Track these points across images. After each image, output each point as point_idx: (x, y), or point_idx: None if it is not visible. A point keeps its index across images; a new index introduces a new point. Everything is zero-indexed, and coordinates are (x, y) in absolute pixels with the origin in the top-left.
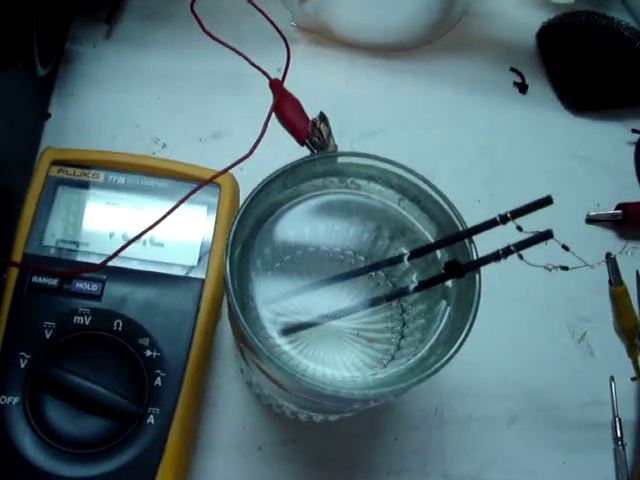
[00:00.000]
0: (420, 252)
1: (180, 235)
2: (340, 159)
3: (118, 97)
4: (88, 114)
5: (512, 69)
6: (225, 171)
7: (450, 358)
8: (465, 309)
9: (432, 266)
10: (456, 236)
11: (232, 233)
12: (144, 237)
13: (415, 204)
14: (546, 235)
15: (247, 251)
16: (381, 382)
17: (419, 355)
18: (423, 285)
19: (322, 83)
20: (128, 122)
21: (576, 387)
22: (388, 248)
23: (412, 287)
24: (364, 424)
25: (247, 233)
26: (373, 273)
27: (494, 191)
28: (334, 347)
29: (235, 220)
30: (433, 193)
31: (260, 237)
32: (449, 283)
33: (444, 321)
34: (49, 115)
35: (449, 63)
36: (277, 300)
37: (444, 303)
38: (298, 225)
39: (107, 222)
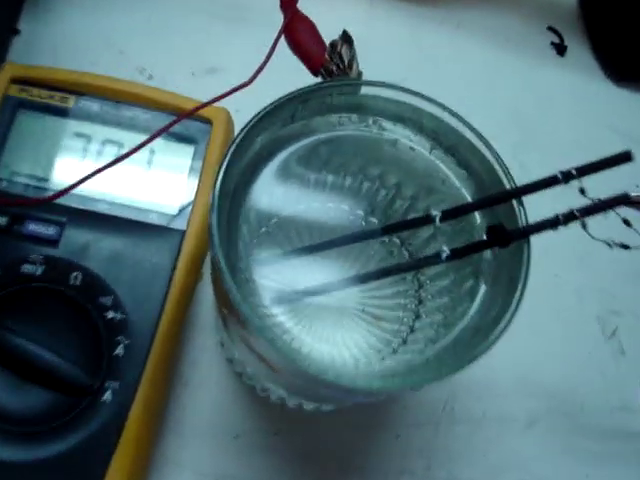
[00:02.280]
0: (455, 213)
1: (161, 177)
2: (365, 89)
3: (102, 16)
4: (65, 34)
5: (550, 28)
6: (217, 100)
7: (483, 351)
8: (506, 289)
9: (462, 234)
10: (504, 195)
11: (223, 169)
12: (117, 176)
13: (450, 155)
14: (625, 157)
15: (239, 199)
16: (390, 371)
17: (441, 343)
18: (457, 253)
19: (337, 21)
20: (111, 46)
21: (604, 389)
22: (408, 210)
23: (444, 256)
24: (361, 417)
25: (240, 175)
26: (386, 238)
27: (523, 158)
28: (335, 323)
29: (228, 153)
30: (478, 142)
31: (256, 183)
32: (487, 254)
33: (476, 303)
34: (18, 31)
35: (481, 15)
36: (273, 262)
37: (477, 280)
38: (303, 172)
39: (74, 157)
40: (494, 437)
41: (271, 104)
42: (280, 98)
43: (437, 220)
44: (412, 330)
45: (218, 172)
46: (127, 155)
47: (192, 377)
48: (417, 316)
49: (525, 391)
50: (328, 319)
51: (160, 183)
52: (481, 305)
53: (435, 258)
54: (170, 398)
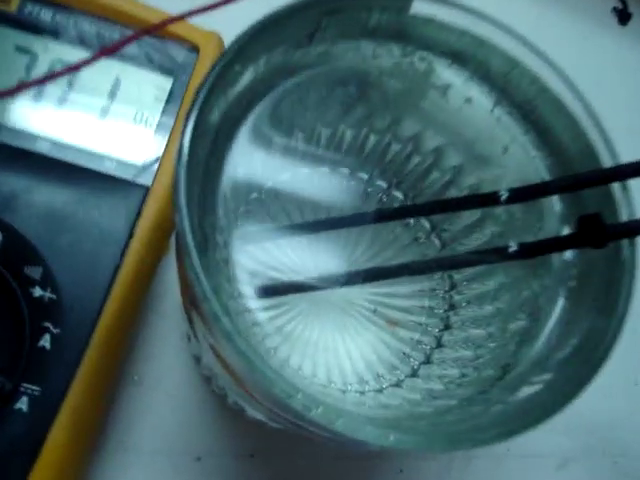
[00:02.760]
0: (531, 193)
1: (125, 114)
2: (417, 5)
3: None
4: None
5: None
6: (199, 12)
7: (567, 401)
8: (596, 307)
9: (525, 224)
10: (605, 175)
11: (200, 101)
12: (66, 108)
13: (520, 115)
14: None
15: (222, 148)
16: (410, 406)
17: (484, 374)
18: (528, 251)
19: None
20: None
21: None
22: (447, 186)
23: (511, 252)
24: None
25: (224, 117)
26: (412, 220)
27: None
28: (336, 325)
29: (208, 79)
30: (571, 98)
31: (248, 128)
32: (567, 255)
33: (549, 323)
34: None
35: None
36: (262, 239)
37: (545, 290)
38: (312, 120)
39: (13, 74)
40: (519, 478)
41: (281, 10)
42: (295, 3)
43: (503, 199)
44: (439, 344)
45: (192, 106)
46: (72, 69)
47: (147, 376)
48: (447, 326)
49: (558, 425)
50: (327, 319)
51: (124, 122)
52: (556, 327)
53: (492, 255)
54: (116, 401)
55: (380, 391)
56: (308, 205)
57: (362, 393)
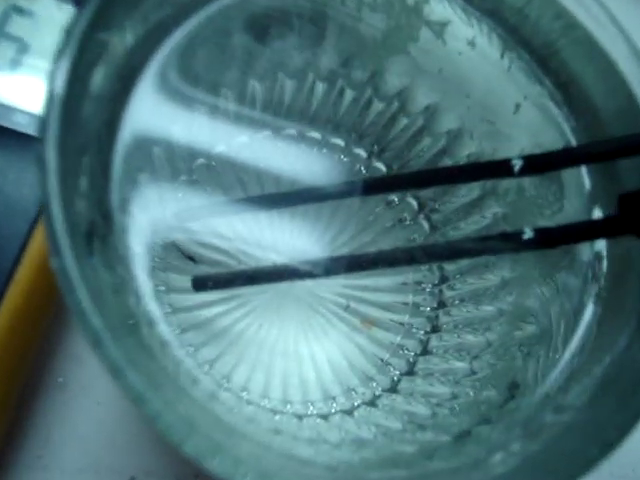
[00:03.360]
0: (553, 161)
1: (37, 54)
2: None
3: None
4: None
5: None
6: None
7: (610, 446)
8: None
9: (539, 203)
10: None
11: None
12: None
13: (537, 62)
14: None
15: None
16: (384, 448)
17: (487, 392)
18: (549, 239)
19: None
20: None
21: None
22: (440, 155)
23: (527, 237)
24: None
25: (117, 65)
26: (396, 197)
27: None
28: (299, 324)
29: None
30: (608, 30)
31: (153, 78)
32: (599, 247)
33: (576, 332)
34: None
35: None
36: (207, 216)
37: (569, 291)
38: (265, 68)
39: None
40: None
41: None
42: None
43: (516, 169)
44: (425, 351)
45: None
46: None
47: (74, 379)
48: (435, 328)
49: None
50: (289, 317)
51: (34, 65)
52: (581, 341)
53: (499, 243)
54: (34, 407)
55: (350, 413)
56: (270, 177)
57: (325, 418)
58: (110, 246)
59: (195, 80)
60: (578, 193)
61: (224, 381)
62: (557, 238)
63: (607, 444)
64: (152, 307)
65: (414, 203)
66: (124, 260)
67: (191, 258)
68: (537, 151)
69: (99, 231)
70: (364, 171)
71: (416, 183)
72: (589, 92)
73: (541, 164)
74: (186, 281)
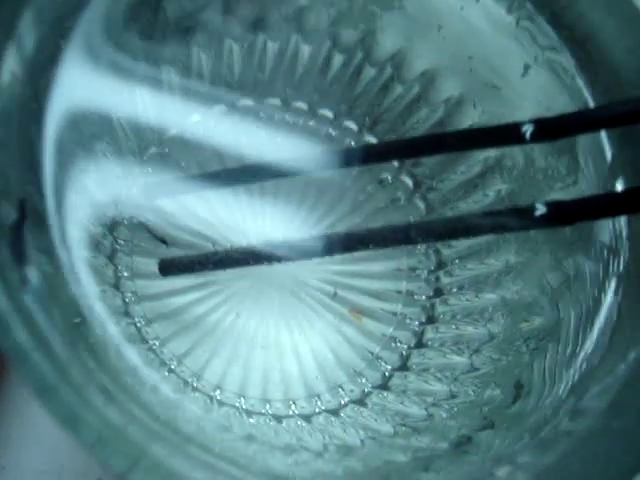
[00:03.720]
0: (568, 126)
1: None
2: None
3: None
4: None
5: None
6: None
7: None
8: None
9: (553, 177)
10: None
11: None
12: None
13: (548, 18)
14: None
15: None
16: (373, 458)
17: (490, 392)
18: (568, 214)
19: None
20: None
21: None
22: (440, 124)
23: (539, 213)
24: None
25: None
26: (389, 175)
27: None
28: (282, 314)
29: None
30: None
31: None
32: (619, 225)
33: (600, 322)
34: None
35: None
36: (174, 193)
37: (583, 276)
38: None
39: None
40: None
41: None
42: None
43: (528, 136)
44: (420, 343)
45: None
46: None
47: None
48: (430, 318)
49: None
50: (270, 306)
51: None
52: (601, 337)
53: (508, 218)
54: None
55: (336, 413)
56: (248, 154)
57: (308, 419)
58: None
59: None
60: (596, 164)
61: (193, 379)
62: (573, 214)
63: (637, 456)
64: (98, 307)
65: (409, 182)
66: (61, 247)
67: (162, 240)
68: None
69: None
70: (353, 143)
71: (413, 151)
72: (609, 49)
73: (555, 128)
74: (155, 265)
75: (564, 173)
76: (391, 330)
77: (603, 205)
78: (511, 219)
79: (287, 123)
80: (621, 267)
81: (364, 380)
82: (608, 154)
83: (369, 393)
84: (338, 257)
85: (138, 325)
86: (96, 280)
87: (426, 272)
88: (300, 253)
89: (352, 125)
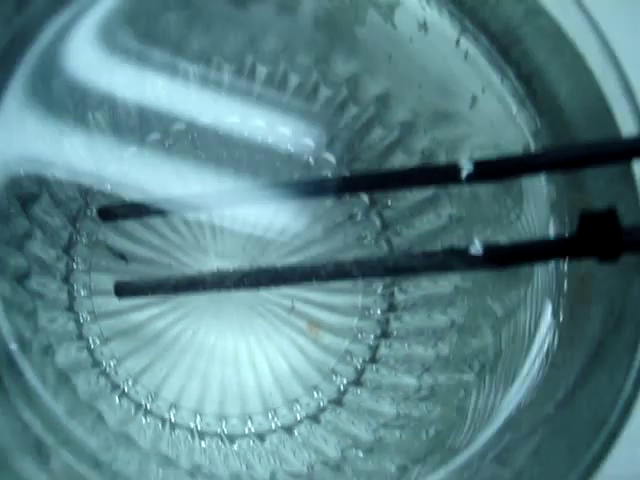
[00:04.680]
0: (505, 168)
1: None
2: None
3: None
4: None
5: None
6: None
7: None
8: (592, 343)
9: (492, 204)
10: (624, 147)
11: None
12: None
13: (497, 50)
14: None
15: None
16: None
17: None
18: (499, 256)
19: None
20: None
21: None
22: (393, 148)
23: (474, 253)
24: None
25: None
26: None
27: None
28: (241, 328)
29: None
30: (576, 18)
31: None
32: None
33: (540, 340)
34: None
35: None
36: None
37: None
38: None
39: None
40: None
41: None
42: None
43: (464, 175)
44: (374, 359)
45: None
46: None
47: None
48: (385, 333)
49: None
50: (229, 321)
51: None
52: (539, 353)
53: (445, 258)
54: None
55: (290, 431)
56: (208, 170)
57: (262, 438)
58: None
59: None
60: (537, 201)
61: (148, 400)
62: (508, 257)
63: None
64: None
65: (366, 199)
66: None
67: (122, 256)
68: (494, 151)
69: None
70: (312, 162)
71: (360, 186)
72: (553, 88)
73: (494, 170)
74: (113, 282)
75: (509, 206)
76: (347, 344)
77: (537, 250)
78: (449, 259)
79: (246, 140)
80: (559, 295)
81: (320, 394)
82: (546, 193)
83: (324, 408)
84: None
85: (92, 347)
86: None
87: (382, 287)
88: (250, 283)
89: (310, 142)
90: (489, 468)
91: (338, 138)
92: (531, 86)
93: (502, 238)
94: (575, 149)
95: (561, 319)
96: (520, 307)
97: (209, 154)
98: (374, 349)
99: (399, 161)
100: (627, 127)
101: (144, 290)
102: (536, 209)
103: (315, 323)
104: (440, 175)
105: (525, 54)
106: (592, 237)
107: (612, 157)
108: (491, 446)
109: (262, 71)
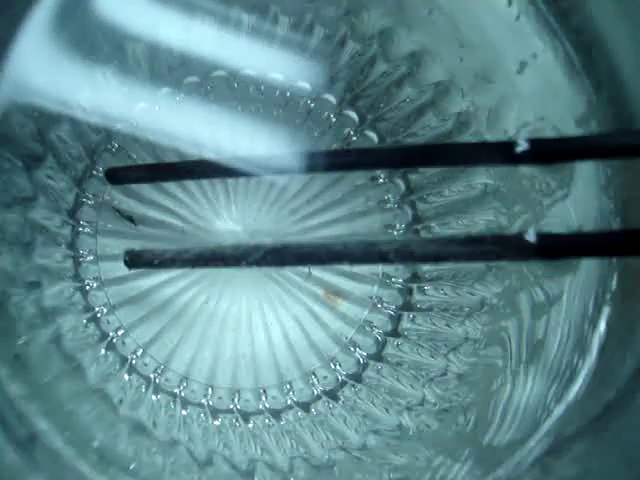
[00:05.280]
0: (564, 150)
1: None
2: None
3: None
4: None
5: None
6: None
7: None
8: None
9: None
10: None
11: None
12: None
13: (555, 13)
14: None
15: None
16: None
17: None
18: (556, 248)
19: None
20: None
21: None
22: (423, 110)
23: (527, 240)
24: None
25: None
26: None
27: None
28: (255, 295)
29: None
30: None
31: None
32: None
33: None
34: None
35: None
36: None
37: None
38: None
39: None
40: None
41: None
42: None
43: (519, 149)
44: (396, 332)
45: None
46: None
47: None
48: (408, 305)
49: None
50: (242, 288)
51: None
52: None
53: (494, 246)
54: None
55: (307, 408)
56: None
57: (277, 416)
58: None
59: None
60: (587, 181)
61: (157, 375)
62: (566, 248)
63: None
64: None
65: (355, 115)
66: None
67: (130, 218)
68: (541, 125)
69: None
70: (333, 119)
71: (395, 162)
72: (617, 59)
73: (550, 153)
74: (121, 246)
75: (555, 184)
76: (366, 313)
77: (597, 244)
78: (497, 247)
79: (262, 94)
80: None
81: (338, 367)
82: (599, 178)
83: (343, 384)
84: (313, 237)
85: (98, 315)
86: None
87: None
88: (275, 261)
89: (332, 98)
90: (530, 474)
91: (363, 95)
92: (590, 56)
93: (544, 220)
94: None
95: (609, 315)
96: (563, 296)
97: (245, 106)
98: (396, 320)
99: (428, 124)
100: None
101: (158, 263)
102: (584, 191)
103: (333, 290)
104: (489, 153)
105: (587, 19)
106: None
107: None
108: (532, 448)
109: (282, 22)
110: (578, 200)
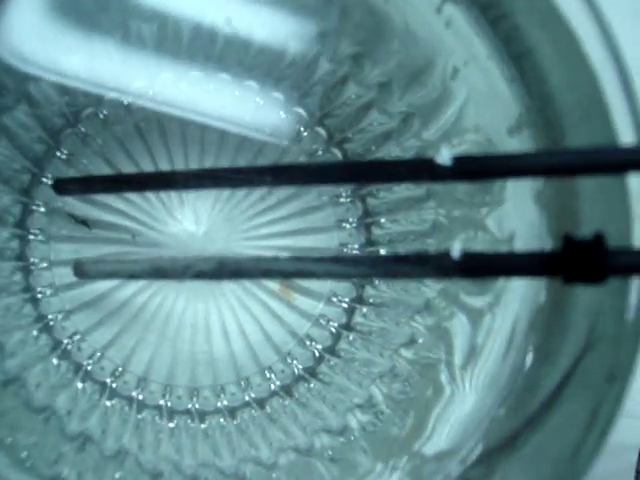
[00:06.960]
0: (488, 168)
1: None
2: None
3: None
4: None
5: None
6: None
7: None
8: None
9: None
10: (620, 156)
11: None
12: None
13: (485, 18)
14: None
15: None
16: None
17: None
18: (475, 266)
19: None
20: None
21: None
22: (368, 108)
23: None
24: None
25: None
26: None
27: None
28: (211, 292)
29: None
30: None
31: None
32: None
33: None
34: None
35: None
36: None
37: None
38: None
39: None
40: None
41: None
42: None
43: (442, 164)
44: (349, 325)
45: None
46: None
47: None
48: (359, 298)
49: None
50: (198, 285)
51: None
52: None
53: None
54: None
55: (262, 405)
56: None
57: (233, 414)
58: None
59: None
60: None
61: (113, 379)
62: (485, 268)
63: None
64: None
65: (324, 133)
66: None
67: (84, 222)
68: (473, 134)
69: None
70: (284, 117)
71: (322, 178)
72: (545, 71)
73: (473, 171)
74: (76, 251)
75: (487, 198)
76: (321, 306)
77: (517, 265)
78: (422, 264)
79: (212, 92)
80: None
81: (294, 361)
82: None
83: (298, 378)
84: (269, 232)
85: (51, 324)
86: None
87: (357, 246)
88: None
89: (279, 96)
90: None
91: (311, 93)
92: (520, 66)
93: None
94: (568, 154)
95: (539, 327)
96: (496, 306)
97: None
98: (350, 313)
99: (372, 121)
100: (622, 125)
101: (108, 273)
102: (517, 199)
103: (288, 285)
104: (413, 170)
105: (515, 30)
106: (576, 261)
107: (607, 168)
108: (463, 459)
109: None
110: (511, 209)
